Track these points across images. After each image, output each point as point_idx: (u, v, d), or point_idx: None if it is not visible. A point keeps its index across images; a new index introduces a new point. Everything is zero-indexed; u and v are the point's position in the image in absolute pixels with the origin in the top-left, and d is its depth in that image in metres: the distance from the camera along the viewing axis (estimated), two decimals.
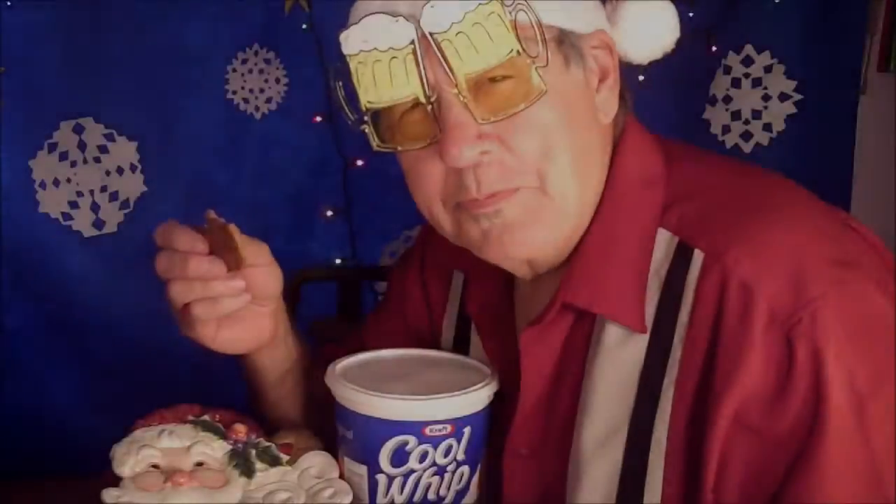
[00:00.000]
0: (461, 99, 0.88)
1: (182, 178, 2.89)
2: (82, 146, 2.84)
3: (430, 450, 0.92)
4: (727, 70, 2.72)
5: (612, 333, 0.94)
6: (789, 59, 2.67)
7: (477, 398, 0.95)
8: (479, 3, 0.86)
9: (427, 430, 0.92)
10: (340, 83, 0.94)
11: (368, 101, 0.92)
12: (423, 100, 0.89)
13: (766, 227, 0.89)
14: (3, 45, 2.71)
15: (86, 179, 2.86)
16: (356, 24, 0.90)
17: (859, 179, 2.73)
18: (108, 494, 0.89)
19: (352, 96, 0.93)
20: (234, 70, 2.81)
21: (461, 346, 1.15)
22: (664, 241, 0.94)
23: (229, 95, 2.83)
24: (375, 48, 0.89)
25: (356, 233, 2.88)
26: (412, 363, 1.04)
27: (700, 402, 0.88)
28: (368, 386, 0.94)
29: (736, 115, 2.74)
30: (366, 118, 0.94)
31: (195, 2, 2.74)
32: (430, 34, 0.87)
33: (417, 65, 0.88)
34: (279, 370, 1.14)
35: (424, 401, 0.92)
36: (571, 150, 0.92)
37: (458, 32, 0.87)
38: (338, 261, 2.95)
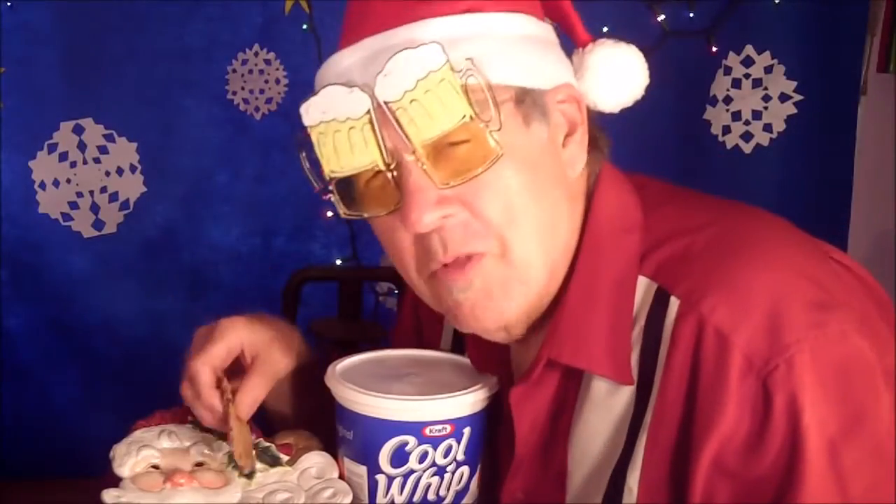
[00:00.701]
0: (420, 165, 0.89)
1: (182, 179, 2.89)
2: (82, 147, 2.84)
3: (430, 450, 0.92)
4: (727, 70, 2.71)
5: (600, 385, 0.94)
6: (790, 60, 2.67)
7: (477, 398, 0.95)
8: (430, 71, 0.86)
9: (427, 431, 0.92)
10: (304, 153, 0.94)
11: (331, 171, 0.92)
12: (382, 167, 0.90)
13: (743, 272, 0.89)
14: (3, 45, 2.71)
15: (86, 180, 2.86)
16: (315, 95, 0.91)
17: (859, 180, 2.73)
18: (108, 495, 0.90)
19: (316, 164, 0.94)
20: (234, 71, 2.81)
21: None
22: (643, 288, 0.93)
23: (229, 96, 2.83)
24: (334, 118, 0.90)
25: (357, 233, 2.88)
26: (412, 363, 1.03)
27: (678, 448, 0.89)
28: (368, 386, 0.94)
29: (736, 116, 2.74)
30: (331, 187, 0.94)
31: (195, 2, 2.73)
32: (385, 103, 0.87)
33: (375, 133, 0.88)
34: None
35: (424, 401, 0.92)
36: (535, 213, 0.92)
37: (412, 100, 0.87)
38: (338, 261, 2.95)
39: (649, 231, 0.96)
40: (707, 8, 2.62)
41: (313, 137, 0.92)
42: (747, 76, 2.68)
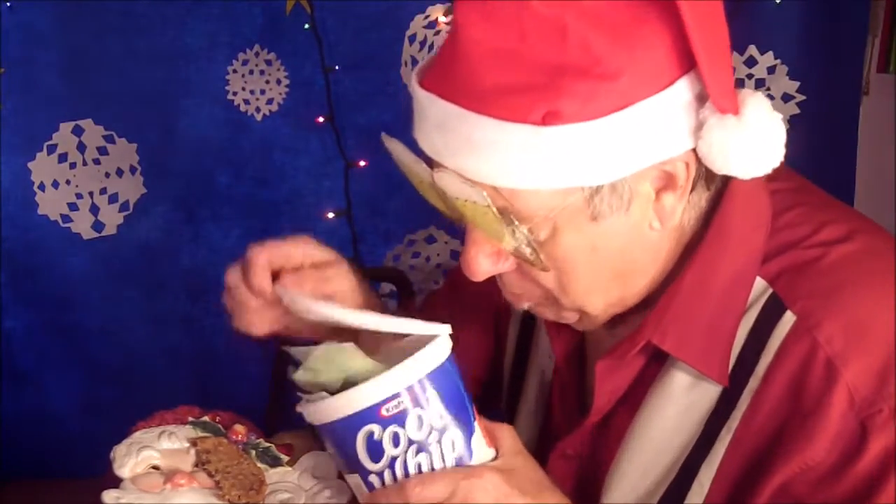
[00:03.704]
0: None
1: (182, 180, 2.88)
2: (81, 148, 2.83)
3: (399, 429, 0.87)
4: None
5: (683, 375, 0.94)
6: (792, 60, 2.66)
7: (425, 358, 0.87)
8: (475, 202, 0.84)
9: (383, 411, 0.86)
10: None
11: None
12: (449, 215, 0.91)
13: (867, 302, 0.87)
14: (2, 46, 2.70)
15: (85, 181, 2.85)
16: (390, 140, 0.92)
17: (861, 180, 2.72)
18: (108, 495, 0.89)
19: None
20: (235, 71, 2.80)
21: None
22: (758, 289, 0.92)
23: (229, 97, 2.82)
24: (408, 167, 0.91)
25: (358, 235, 2.87)
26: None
27: (753, 460, 0.88)
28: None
29: None
30: None
31: (195, 2, 2.73)
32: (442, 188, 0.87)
33: (439, 195, 0.89)
34: None
35: (364, 385, 0.86)
36: (596, 281, 0.92)
37: (463, 204, 0.87)
38: None
39: (777, 233, 0.94)
40: None
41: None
42: (750, 76, 2.68)
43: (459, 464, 0.89)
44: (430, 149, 0.86)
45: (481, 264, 0.90)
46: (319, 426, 0.90)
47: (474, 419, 0.91)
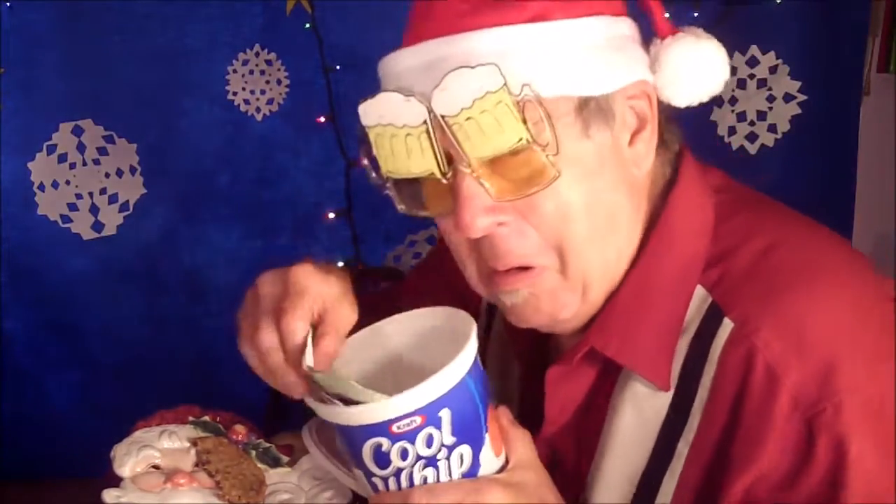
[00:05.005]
0: (475, 177, 0.88)
1: (182, 180, 2.88)
2: (81, 148, 2.83)
3: (408, 446, 0.85)
4: (733, 71, 2.70)
5: (639, 383, 0.93)
6: (794, 60, 2.66)
7: (446, 376, 0.86)
8: (487, 92, 0.84)
9: (394, 428, 0.85)
10: (365, 148, 0.92)
11: (388, 171, 0.92)
12: (439, 175, 0.89)
13: (803, 304, 0.87)
14: (2, 46, 2.71)
15: (85, 181, 2.86)
16: (372, 98, 0.89)
17: (861, 179, 2.72)
18: (109, 494, 0.89)
19: (374, 159, 0.93)
20: (235, 71, 2.80)
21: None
22: (699, 298, 0.92)
23: (230, 97, 2.82)
24: (391, 123, 0.89)
25: (359, 235, 2.87)
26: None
27: (712, 471, 0.88)
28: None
29: (741, 117, 2.73)
30: (388, 183, 0.94)
31: (195, 2, 2.73)
32: (442, 116, 0.86)
33: (431, 143, 0.87)
34: None
35: (376, 405, 0.84)
36: (593, 221, 0.91)
37: (468, 118, 0.85)
38: (340, 263, 2.94)
39: (718, 240, 0.94)
40: (712, 7, 2.62)
41: (371, 137, 0.90)
42: (752, 76, 2.68)
43: (466, 476, 0.89)
44: (441, 98, 0.86)
45: (478, 218, 0.88)
46: (330, 423, 0.90)
47: (486, 431, 0.90)
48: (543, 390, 0.99)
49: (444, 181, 0.89)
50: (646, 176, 0.96)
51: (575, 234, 0.90)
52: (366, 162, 0.94)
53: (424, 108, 0.86)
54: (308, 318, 0.89)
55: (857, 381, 0.84)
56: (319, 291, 0.91)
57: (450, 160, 0.88)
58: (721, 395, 0.88)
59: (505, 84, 0.84)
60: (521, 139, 0.86)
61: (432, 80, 0.85)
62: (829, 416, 0.83)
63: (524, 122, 0.85)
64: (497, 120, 0.85)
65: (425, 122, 0.86)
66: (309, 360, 0.88)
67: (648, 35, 0.97)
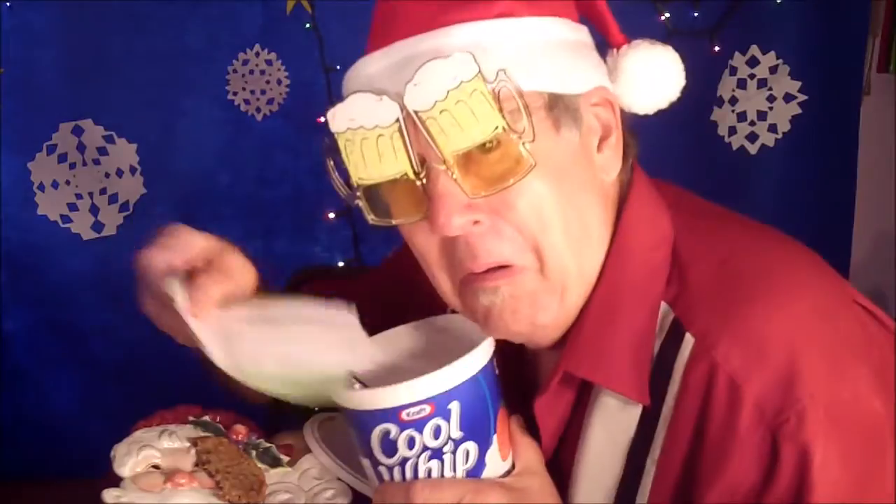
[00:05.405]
0: (450, 174, 0.88)
1: (182, 180, 2.88)
2: (81, 148, 2.83)
3: (416, 434, 0.87)
4: (733, 71, 2.70)
5: (611, 399, 0.94)
6: (794, 60, 2.66)
7: (459, 369, 0.88)
8: (462, 81, 0.85)
9: (404, 415, 0.87)
10: (331, 160, 0.92)
11: (359, 178, 0.92)
12: (412, 176, 0.89)
13: (762, 316, 0.87)
14: (2, 46, 2.70)
15: (85, 182, 2.85)
16: (342, 102, 0.89)
17: (861, 179, 2.72)
18: (109, 494, 0.89)
19: (343, 170, 0.93)
20: (235, 71, 2.80)
21: None
22: (661, 314, 0.93)
23: (230, 97, 2.82)
24: (362, 126, 0.89)
25: (360, 235, 2.87)
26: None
27: (682, 487, 0.88)
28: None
29: (742, 117, 2.73)
30: (358, 193, 0.94)
31: (195, 2, 2.72)
32: (415, 112, 0.86)
33: (404, 142, 0.87)
34: None
35: (390, 387, 0.87)
36: (567, 221, 0.91)
37: (443, 110, 0.85)
38: (340, 263, 2.94)
39: (677, 253, 0.95)
40: (712, 8, 2.62)
41: (340, 144, 0.90)
42: (752, 76, 2.68)
43: (470, 475, 0.90)
44: (414, 93, 0.86)
45: (454, 216, 0.88)
46: (342, 409, 0.91)
47: (494, 432, 0.91)
48: (521, 413, 0.98)
49: (418, 182, 0.89)
50: (613, 184, 0.98)
51: (550, 231, 0.90)
52: (335, 175, 0.94)
53: (397, 105, 0.86)
54: (168, 253, 0.95)
55: (820, 386, 0.84)
56: (191, 239, 0.97)
57: (423, 161, 0.88)
58: (685, 411, 0.88)
59: (479, 72, 0.84)
60: (496, 127, 0.86)
61: (404, 78, 0.85)
62: (793, 426, 0.83)
63: (500, 109, 0.85)
64: (472, 110, 0.85)
65: (398, 120, 0.87)
66: (179, 298, 0.90)
67: (602, 48, 0.99)
